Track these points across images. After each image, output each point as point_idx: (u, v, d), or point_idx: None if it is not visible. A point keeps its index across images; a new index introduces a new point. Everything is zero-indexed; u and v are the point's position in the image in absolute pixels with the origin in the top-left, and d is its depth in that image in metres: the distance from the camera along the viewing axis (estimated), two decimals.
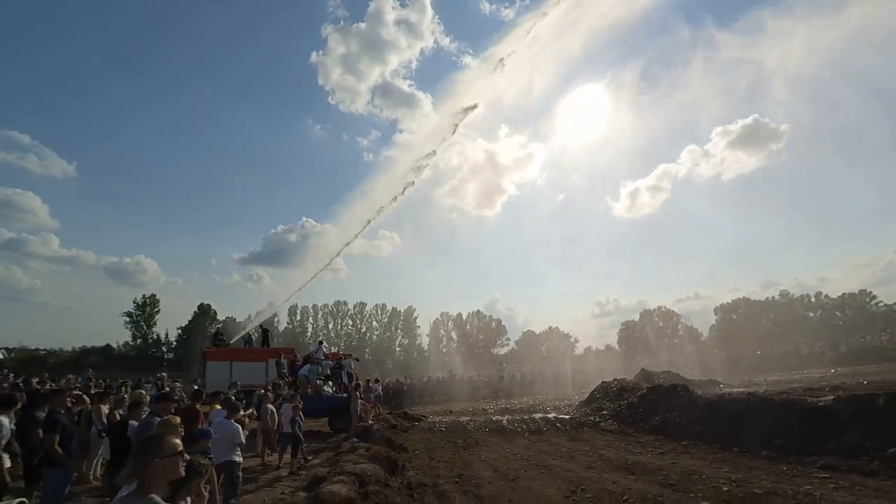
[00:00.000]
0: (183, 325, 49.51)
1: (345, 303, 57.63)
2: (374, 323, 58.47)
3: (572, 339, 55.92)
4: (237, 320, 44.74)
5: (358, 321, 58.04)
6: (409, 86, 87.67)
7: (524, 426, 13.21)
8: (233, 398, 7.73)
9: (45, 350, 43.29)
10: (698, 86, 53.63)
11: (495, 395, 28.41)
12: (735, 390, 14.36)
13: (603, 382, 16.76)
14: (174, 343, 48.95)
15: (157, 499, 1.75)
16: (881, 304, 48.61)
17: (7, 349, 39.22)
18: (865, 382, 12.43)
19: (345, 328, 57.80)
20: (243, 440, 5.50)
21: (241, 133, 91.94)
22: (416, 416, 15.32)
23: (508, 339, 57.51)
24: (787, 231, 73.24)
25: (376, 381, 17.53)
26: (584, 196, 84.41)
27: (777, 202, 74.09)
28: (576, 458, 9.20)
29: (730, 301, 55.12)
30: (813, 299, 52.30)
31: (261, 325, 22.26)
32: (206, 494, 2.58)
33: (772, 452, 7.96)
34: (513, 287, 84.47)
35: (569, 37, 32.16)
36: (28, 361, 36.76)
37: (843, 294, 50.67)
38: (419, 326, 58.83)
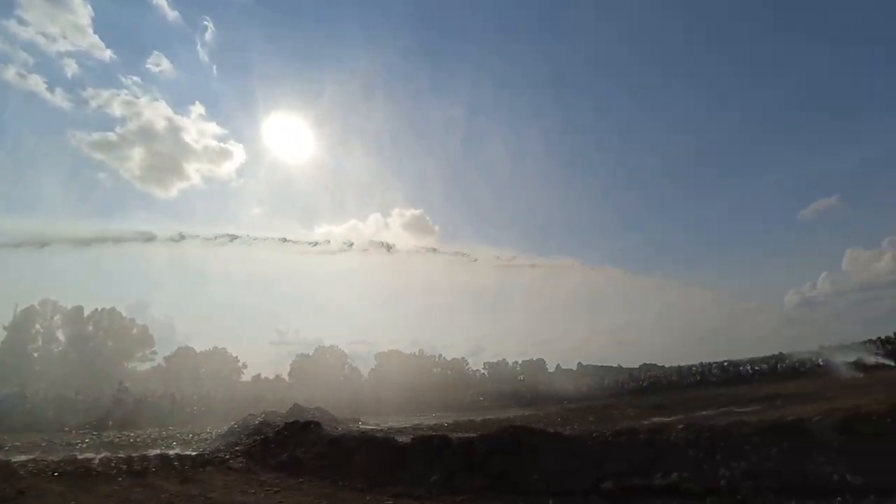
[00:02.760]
0: None
1: None
2: None
3: (240, 364, 51.40)
4: None
5: None
6: None
7: (123, 466, 10.49)
8: None
9: None
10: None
11: (104, 423, 21.81)
12: (365, 427, 16.59)
13: (249, 415, 15.82)
14: None
15: None
16: (473, 369, 69.74)
17: None
18: (446, 424, 16.97)
19: None
20: None
21: None
22: None
23: (155, 353, 46.88)
24: None
25: None
26: (283, 216, 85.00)
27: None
28: None
29: (386, 350, 65.42)
30: (437, 358, 69.30)
31: None
32: None
33: (365, 484, 9.36)
34: (178, 292, 71.55)
35: None
36: None
37: (454, 358, 69.83)
38: None
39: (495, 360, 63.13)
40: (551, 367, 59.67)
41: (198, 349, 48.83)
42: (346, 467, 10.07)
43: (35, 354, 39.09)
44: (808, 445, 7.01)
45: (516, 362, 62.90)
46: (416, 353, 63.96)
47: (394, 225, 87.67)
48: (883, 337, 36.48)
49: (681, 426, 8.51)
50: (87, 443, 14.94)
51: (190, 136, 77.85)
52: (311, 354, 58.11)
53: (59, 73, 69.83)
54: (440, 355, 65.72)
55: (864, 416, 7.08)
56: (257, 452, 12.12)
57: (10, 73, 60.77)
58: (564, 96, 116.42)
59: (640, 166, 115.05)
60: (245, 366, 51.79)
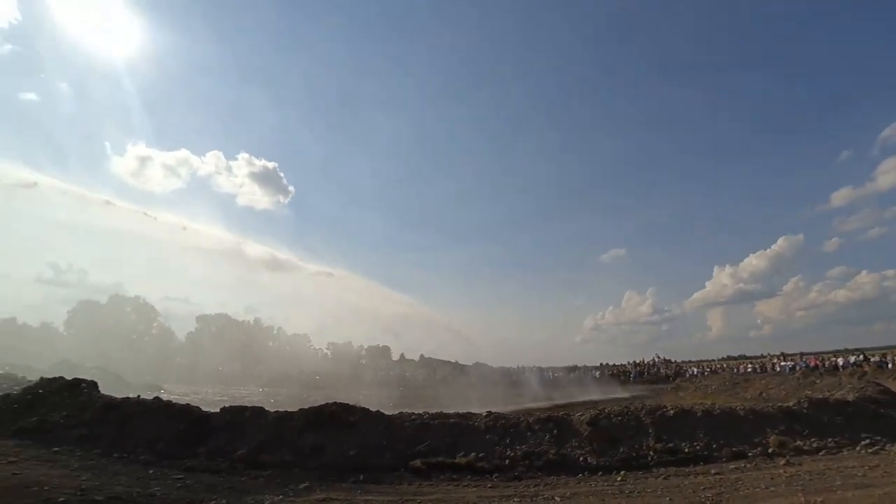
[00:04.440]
0: None
1: None
2: None
3: None
4: None
5: None
6: None
7: None
8: None
9: None
10: None
11: None
12: (167, 396, 14.26)
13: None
14: None
15: None
16: (316, 347, 67.02)
17: None
18: (273, 400, 15.91)
19: None
20: None
21: None
22: None
23: None
24: None
25: None
26: (70, 119, 67.48)
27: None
28: None
29: (213, 314, 57.93)
30: (275, 331, 64.52)
31: None
32: None
33: (151, 456, 8.10)
34: None
35: None
36: None
37: (295, 333, 66.25)
38: None
39: (340, 342, 61.59)
40: (395, 356, 61.01)
41: None
42: (128, 438, 8.52)
43: None
44: (568, 434, 8.92)
45: (362, 346, 62.71)
46: (251, 322, 58.12)
47: (238, 171, 77.59)
48: (638, 360, 49.67)
49: (485, 414, 9.83)
50: None
51: None
52: (102, 303, 47.16)
53: None
54: (279, 328, 61.15)
55: (606, 415, 9.38)
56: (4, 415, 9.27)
57: None
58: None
59: (503, 178, 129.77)
60: None
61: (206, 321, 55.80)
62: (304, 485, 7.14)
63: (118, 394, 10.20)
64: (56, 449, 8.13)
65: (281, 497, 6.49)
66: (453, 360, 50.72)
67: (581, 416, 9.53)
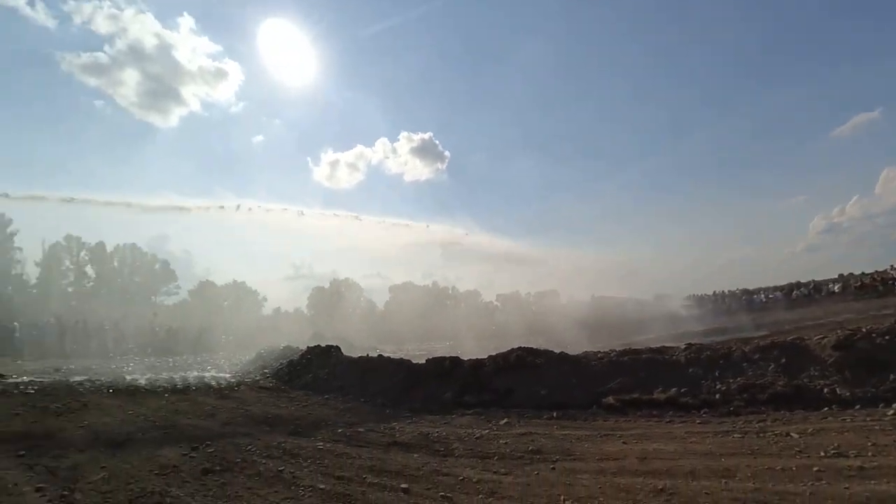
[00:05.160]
0: None
1: None
2: None
3: (261, 298, 53.91)
4: None
5: None
6: None
7: (166, 386, 11.60)
8: None
9: None
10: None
11: (145, 350, 23.70)
12: (383, 353, 17.77)
13: (272, 343, 16.99)
14: None
15: None
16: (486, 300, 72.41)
17: None
18: (459, 352, 18.04)
19: None
20: None
21: None
22: None
23: (178, 287, 49.20)
24: None
25: None
26: (286, 148, 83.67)
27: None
28: (215, 416, 8.83)
29: (400, 283, 67.74)
30: (450, 290, 71.84)
31: None
32: None
33: (385, 400, 10.28)
34: (193, 227, 72.96)
35: None
36: None
37: (467, 290, 72.19)
38: (20, 249, 41.21)
39: (507, 293, 64.80)
40: (564, 300, 60.75)
41: (218, 283, 51.15)
42: (367, 386, 10.98)
43: (69, 290, 41.51)
44: (803, 362, 7.35)
45: (529, 293, 64.57)
46: (430, 286, 66.06)
47: (401, 150, 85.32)
48: None
49: (683, 347, 8.93)
50: (130, 367, 16.39)
51: (182, 55, 73.91)
52: (326, 287, 60.42)
53: None
54: (453, 287, 67.83)
55: (864, 335, 7.30)
56: (284, 374, 13.20)
57: None
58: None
59: (657, 79, 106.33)
60: (265, 299, 54.41)
61: (396, 290, 66.12)
62: (504, 421, 7.95)
63: (352, 355, 13.15)
64: (326, 396, 11.12)
65: (487, 431, 7.38)
66: (626, 296, 47.18)
67: (822, 339, 7.71)
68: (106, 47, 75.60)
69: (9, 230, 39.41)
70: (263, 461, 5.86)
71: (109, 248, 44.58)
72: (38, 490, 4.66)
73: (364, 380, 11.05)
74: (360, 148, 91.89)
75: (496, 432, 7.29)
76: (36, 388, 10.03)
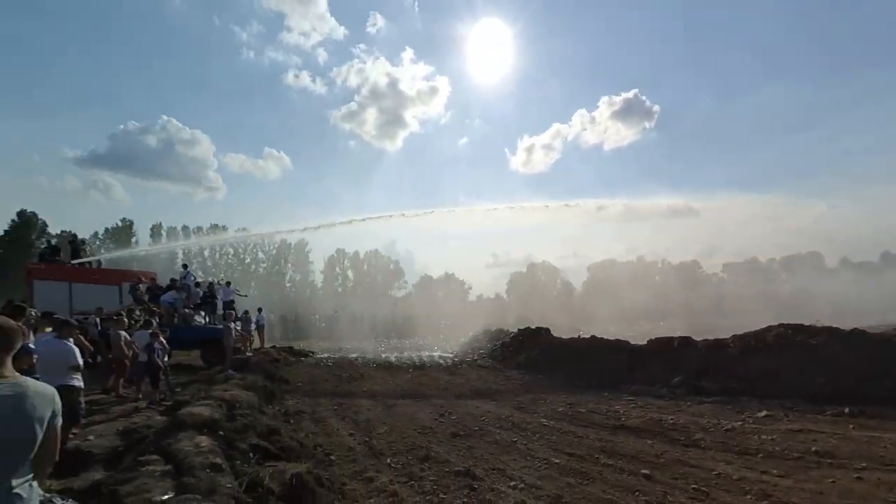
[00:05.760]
0: None
1: (223, 227, 50.01)
2: (261, 254, 54.38)
3: (466, 287, 59.74)
4: (81, 237, 37.31)
5: (241, 251, 52.98)
6: None
7: (409, 363, 14.20)
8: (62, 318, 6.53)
9: None
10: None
11: (388, 334, 29.64)
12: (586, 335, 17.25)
13: (485, 326, 18.57)
14: None
15: None
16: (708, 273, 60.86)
17: None
18: (678, 332, 15.84)
19: (224, 257, 52.67)
20: (80, 362, 4.96)
21: None
22: (303, 352, 15.33)
23: (406, 282, 59.11)
24: None
25: (259, 310, 16.04)
26: (485, 144, 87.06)
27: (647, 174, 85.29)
28: (449, 389, 10.31)
29: (599, 261, 63.40)
30: (660, 265, 63.11)
31: (73, 238, 18.09)
32: None
33: (602, 381, 9.91)
34: (414, 230, 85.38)
35: None
36: None
37: (679, 262, 61.98)
38: (312, 262, 56.36)
39: (740, 261, 52.08)
40: (832, 263, 44.38)
41: (434, 276, 59.39)
42: (579, 367, 10.81)
43: (339, 290, 55.91)
44: None
45: (773, 259, 50.71)
46: (634, 261, 60.03)
47: (601, 118, 78.81)
48: None
49: None
50: (382, 346, 20.79)
51: (405, 84, 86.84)
52: (524, 272, 62.31)
53: (315, 63, 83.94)
54: (664, 260, 59.78)
55: None
56: (498, 355, 14.30)
57: (290, 78, 78.89)
58: None
59: None
60: (470, 287, 60.17)
61: (595, 269, 62.45)
62: (762, 413, 6.53)
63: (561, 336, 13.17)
64: (540, 375, 11.50)
65: (739, 423, 6.21)
66: None
67: None
68: (355, 96, 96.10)
69: (306, 250, 55.65)
70: (497, 431, 6.50)
71: (361, 255, 57.79)
72: (350, 435, 6.44)
73: (575, 361, 10.93)
74: (556, 126, 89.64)
75: (753, 426, 6.08)
76: (332, 362, 13.90)
